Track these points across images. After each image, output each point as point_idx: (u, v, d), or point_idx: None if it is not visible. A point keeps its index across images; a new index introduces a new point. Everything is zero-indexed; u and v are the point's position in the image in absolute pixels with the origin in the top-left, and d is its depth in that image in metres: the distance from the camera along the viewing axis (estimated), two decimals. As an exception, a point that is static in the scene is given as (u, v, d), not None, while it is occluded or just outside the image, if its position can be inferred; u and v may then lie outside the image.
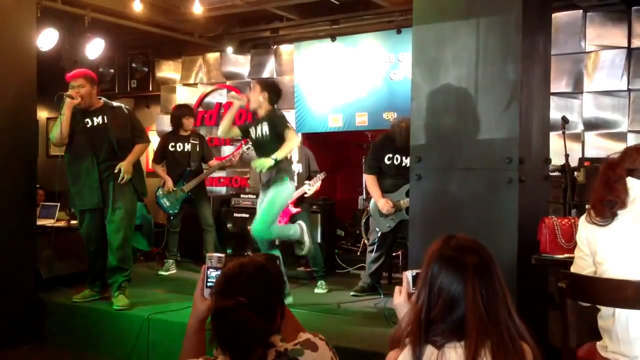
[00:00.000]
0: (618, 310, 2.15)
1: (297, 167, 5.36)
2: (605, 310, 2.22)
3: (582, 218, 2.37)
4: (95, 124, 4.47)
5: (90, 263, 4.62)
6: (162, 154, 6.00)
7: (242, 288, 1.64)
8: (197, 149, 6.01)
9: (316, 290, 5.11)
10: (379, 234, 4.92)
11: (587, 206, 2.38)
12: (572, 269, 2.38)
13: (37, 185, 5.22)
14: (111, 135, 4.45)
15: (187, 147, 5.97)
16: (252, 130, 4.58)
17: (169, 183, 5.85)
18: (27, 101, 4.60)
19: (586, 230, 2.32)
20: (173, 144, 5.97)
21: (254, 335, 1.58)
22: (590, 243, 2.29)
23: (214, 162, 6.23)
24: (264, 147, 4.47)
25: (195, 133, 6.22)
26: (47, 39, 6.30)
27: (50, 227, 6.02)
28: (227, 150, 7.74)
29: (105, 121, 4.48)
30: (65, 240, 5.51)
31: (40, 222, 5.52)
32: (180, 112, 6.11)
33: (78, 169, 4.46)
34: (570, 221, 2.93)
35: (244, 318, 1.57)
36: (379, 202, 4.81)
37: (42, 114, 8.85)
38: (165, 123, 8.02)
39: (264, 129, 4.49)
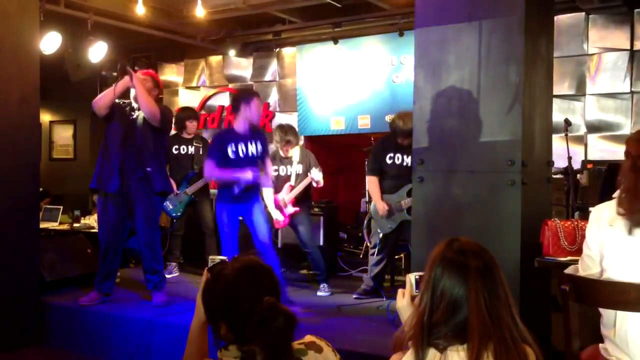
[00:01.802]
0: (618, 322, 2.14)
1: (297, 168, 5.35)
2: (606, 319, 2.20)
3: (599, 211, 2.26)
4: (139, 119, 4.53)
5: (102, 260, 4.63)
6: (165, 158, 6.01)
7: (260, 289, 1.66)
8: (201, 152, 6.01)
9: (318, 293, 5.11)
10: (380, 235, 4.92)
11: (615, 194, 2.23)
12: (580, 265, 2.35)
13: (42, 189, 5.23)
14: (147, 135, 4.51)
15: (191, 149, 5.97)
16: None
17: (173, 186, 5.84)
18: (30, 105, 4.61)
19: (599, 230, 2.24)
20: (177, 146, 5.97)
21: (294, 324, 1.60)
22: (600, 245, 2.25)
23: None
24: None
25: (198, 136, 6.22)
26: (50, 42, 6.31)
27: (52, 230, 6.04)
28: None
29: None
30: (67, 242, 5.53)
31: (43, 225, 5.53)
32: (184, 115, 6.11)
33: (108, 152, 4.53)
34: (573, 224, 2.92)
35: (284, 312, 1.59)
36: (378, 205, 4.83)
37: (45, 118, 8.89)
38: (168, 126, 8.04)
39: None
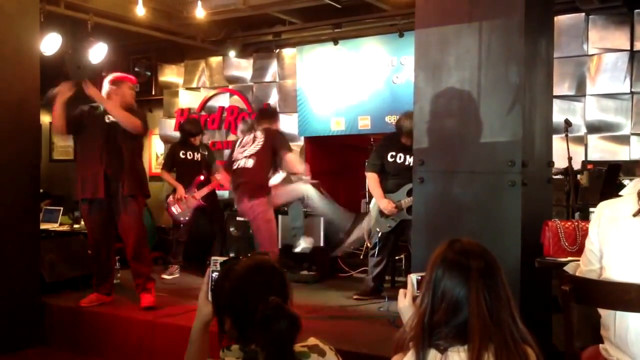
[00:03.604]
0: (618, 322, 2.13)
1: None
2: (606, 321, 2.20)
3: (602, 208, 2.26)
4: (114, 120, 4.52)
5: (95, 263, 4.64)
6: (172, 162, 6.06)
7: (268, 289, 1.66)
8: (206, 159, 6.10)
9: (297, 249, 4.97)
10: (379, 234, 4.91)
11: (622, 192, 2.25)
12: (581, 260, 2.35)
13: (42, 190, 5.23)
14: (126, 140, 4.50)
15: (197, 156, 6.06)
16: None
17: (181, 191, 5.86)
18: (30, 106, 4.62)
19: (599, 227, 2.24)
20: (183, 152, 6.06)
21: (298, 327, 1.60)
22: (600, 243, 2.25)
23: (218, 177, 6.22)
24: None
25: (204, 144, 6.32)
26: (51, 43, 6.32)
27: (53, 231, 6.04)
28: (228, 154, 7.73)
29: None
30: (68, 244, 5.53)
31: (43, 226, 5.53)
32: (187, 130, 6.14)
33: (86, 158, 4.52)
34: (574, 224, 2.92)
35: (288, 314, 1.59)
36: (381, 202, 4.80)
37: (45, 119, 8.88)
38: (168, 127, 8.04)
39: None
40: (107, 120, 4.51)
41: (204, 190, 5.92)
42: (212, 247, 6.02)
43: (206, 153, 6.14)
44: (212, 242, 6.06)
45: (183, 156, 6.00)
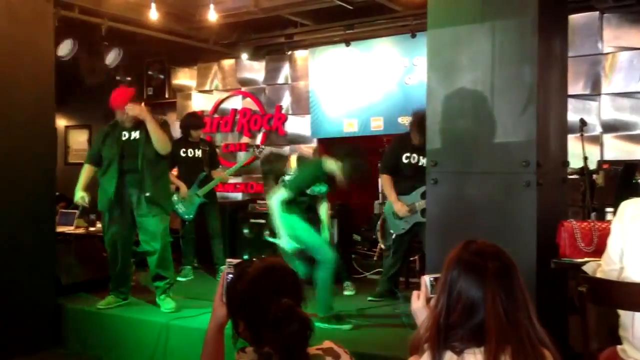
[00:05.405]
0: (637, 323, 2.11)
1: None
2: (625, 320, 2.18)
3: (625, 206, 2.25)
4: (132, 138, 4.55)
5: (112, 268, 4.66)
6: (172, 161, 6.03)
7: (281, 291, 1.66)
8: (207, 155, 6.07)
9: (345, 293, 5.16)
10: (393, 236, 4.89)
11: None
12: (602, 259, 2.33)
13: (57, 193, 5.27)
14: (143, 149, 4.50)
15: (198, 153, 6.01)
16: None
17: (184, 189, 5.86)
18: (45, 110, 4.66)
19: (622, 226, 2.22)
20: (184, 149, 5.99)
21: (310, 329, 1.60)
22: (622, 241, 2.22)
23: (218, 173, 6.21)
24: None
25: (204, 140, 6.25)
26: (65, 48, 6.38)
27: (69, 233, 6.07)
28: (242, 156, 7.76)
29: (139, 136, 4.55)
30: (84, 246, 5.57)
31: (59, 229, 5.57)
32: (187, 122, 6.10)
33: (104, 175, 4.59)
34: (590, 224, 2.90)
35: (299, 317, 1.59)
36: (395, 205, 4.78)
37: (61, 123, 8.98)
38: (181, 130, 8.08)
39: None
40: (123, 138, 4.54)
41: (207, 187, 5.93)
42: (212, 248, 6.02)
43: (207, 148, 6.10)
44: (210, 241, 6.05)
45: (184, 154, 5.97)
